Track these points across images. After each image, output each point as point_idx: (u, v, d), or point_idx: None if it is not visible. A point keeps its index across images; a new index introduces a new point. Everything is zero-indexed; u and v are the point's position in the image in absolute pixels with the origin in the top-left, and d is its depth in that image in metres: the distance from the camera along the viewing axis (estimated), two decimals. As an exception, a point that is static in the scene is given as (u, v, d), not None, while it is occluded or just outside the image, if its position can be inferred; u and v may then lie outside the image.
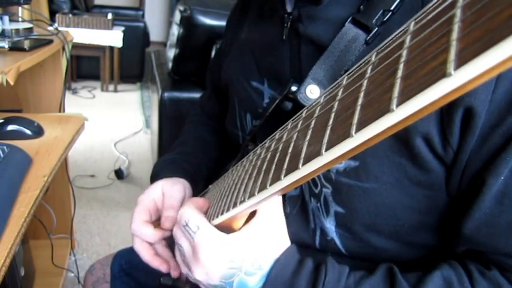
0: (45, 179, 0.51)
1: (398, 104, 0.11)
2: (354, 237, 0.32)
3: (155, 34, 3.71)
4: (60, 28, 0.90)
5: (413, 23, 0.13)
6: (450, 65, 0.09)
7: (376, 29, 0.28)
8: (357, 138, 0.13)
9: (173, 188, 0.40)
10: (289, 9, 0.35)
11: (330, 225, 0.32)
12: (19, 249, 0.73)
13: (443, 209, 0.29)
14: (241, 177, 0.27)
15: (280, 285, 0.27)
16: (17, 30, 0.80)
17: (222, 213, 0.27)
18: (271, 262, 0.28)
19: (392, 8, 0.27)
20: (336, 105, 0.16)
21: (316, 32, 0.32)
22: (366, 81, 0.14)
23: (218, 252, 0.27)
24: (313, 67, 0.31)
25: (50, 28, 0.90)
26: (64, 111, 0.96)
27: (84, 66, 2.61)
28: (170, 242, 0.38)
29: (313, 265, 0.29)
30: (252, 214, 0.29)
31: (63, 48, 0.90)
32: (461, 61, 0.09)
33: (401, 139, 0.27)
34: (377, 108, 0.12)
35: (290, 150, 0.19)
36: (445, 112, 0.25)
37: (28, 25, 0.85)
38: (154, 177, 0.45)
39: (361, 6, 0.29)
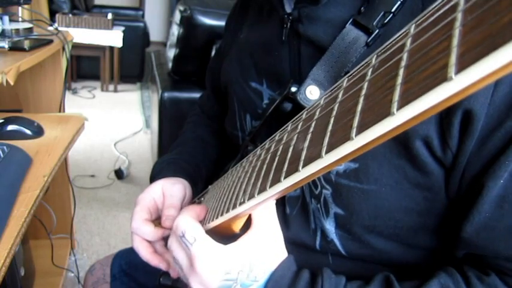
0: (45, 179, 0.51)
1: (399, 108, 0.11)
2: (353, 239, 0.32)
3: (155, 34, 3.71)
4: (60, 28, 0.90)
5: (414, 25, 0.13)
6: (451, 69, 0.09)
7: (377, 31, 0.28)
8: (357, 141, 0.13)
9: (173, 187, 0.40)
10: (288, 9, 0.35)
11: (330, 226, 0.32)
12: (19, 249, 0.73)
13: (442, 211, 0.29)
14: (241, 178, 0.27)
15: None
16: (17, 30, 0.80)
17: (221, 215, 0.27)
18: (268, 274, 0.27)
19: (393, 10, 0.27)
20: (336, 108, 0.16)
21: (316, 33, 0.32)
22: (366, 84, 0.14)
23: (214, 264, 0.26)
24: (313, 68, 0.31)
25: (50, 28, 0.90)
26: (64, 111, 0.96)
27: (84, 66, 2.61)
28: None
29: (309, 276, 0.29)
30: (248, 224, 0.28)
31: (63, 48, 0.90)
32: (462, 65, 0.09)
33: (401, 141, 0.27)
34: (377, 111, 0.12)
35: (290, 152, 0.19)
36: (445, 115, 0.25)
37: (28, 25, 0.84)
38: (154, 177, 0.44)
39: (362, 8, 0.29)
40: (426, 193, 0.29)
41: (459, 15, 0.10)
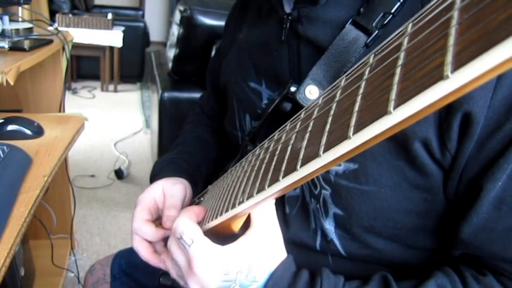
0: (45, 179, 0.51)
1: (396, 106, 0.11)
2: (353, 239, 0.32)
3: (155, 34, 3.71)
4: (60, 28, 0.90)
5: (411, 24, 0.13)
6: (447, 68, 0.09)
7: (377, 31, 0.28)
8: (355, 140, 0.13)
9: (174, 187, 0.40)
10: (288, 10, 0.35)
11: (329, 226, 0.32)
12: (19, 249, 0.73)
13: (441, 212, 0.29)
14: (240, 178, 0.27)
15: None
16: (17, 30, 0.80)
17: (220, 214, 0.27)
18: (267, 274, 0.28)
19: (392, 11, 0.27)
20: (334, 107, 0.16)
21: (315, 33, 0.32)
22: (363, 83, 0.14)
23: (212, 265, 0.26)
24: (312, 68, 0.31)
25: (50, 28, 0.90)
26: (64, 111, 0.96)
27: (84, 66, 2.61)
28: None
29: (308, 276, 0.29)
30: (247, 225, 0.28)
31: (63, 48, 0.90)
32: (458, 64, 0.09)
33: (400, 143, 0.27)
34: (375, 110, 0.12)
35: (288, 151, 0.19)
36: (444, 117, 0.25)
37: (28, 25, 0.85)
38: (154, 176, 0.44)
39: (361, 9, 0.29)
40: (425, 194, 0.29)
41: (455, 14, 0.10)
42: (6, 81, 0.57)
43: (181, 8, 1.20)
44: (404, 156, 0.28)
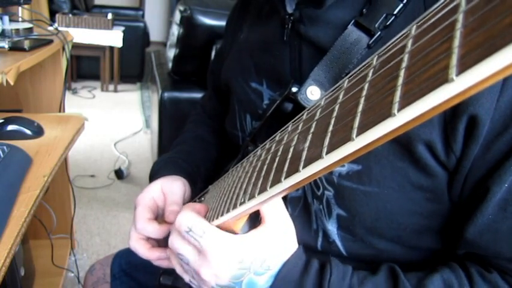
0: (45, 179, 0.51)
1: (400, 109, 0.11)
2: (355, 240, 0.32)
3: (155, 34, 3.71)
4: (60, 28, 0.90)
5: (415, 26, 0.13)
6: (452, 71, 0.09)
7: (379, 33, 0.28)
8: (358, 142, 0.13)
9: (173, 184, 0.40)
10: (290, 10, 0.35)
11: (332, 227, 0.32)
12: (19, 249, 0.73)
13: (445, 213, 0.29)
14: (241, 178, 0.27)
15: (289, 284, 0.27)
16: (17, 30, 0.80)
17: (221, 215, 0.27)
18: (280, 263, 0.28)
19: (395, 12, 0.27)
20: (336, 108, 0.16)
21: (317, 33, 0.32)
22: (367, 85, 0.14)
23: (228, 253, 0.26)
24: (314, 68, 0.31)
25: (50, 28, 0.90)
26: (64, 111, 0.96)
27: (84, 66, 2.60)
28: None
29: (318, 265, 0.29)
30: (257, 215, 0.28)
31: (63, 48, 0.90)
32: (463, 67, 0.09)
33: (404, 145, 0.27)
34: (378, 112, 0.12)
35: (291, 152, 0.19)
36: (449, 120, 0.25)
37: (28, 25, 0.84)
38: (153, 176, 0.44)
39: (364, 10, 0.29)
40: (429, 195, 0.29)
41: (460, 17, 0.10)
42: (6, 81, 0.57)
43: (181, 8, 1.20)
44: (408, 158, 0.28)
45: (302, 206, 0.34)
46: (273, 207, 0.28)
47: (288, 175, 0.18)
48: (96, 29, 2.19)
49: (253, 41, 0.42)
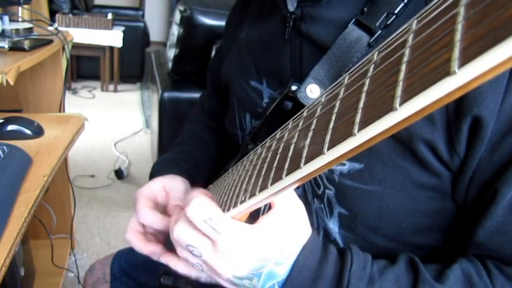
0: (45, 179, 0.51)
1: (402, 103, 0.11)
2: (357, 239, 0.32)
3: (155, 34, 3.71)
4: (60, 28, 0.90)
5: (415, 21, 0.13)
6: (454, 63, 0.09)
7: (380, 31, 0.28)
8: (360, 137, 0.13)
9: (174, 181, 0.40)
10: (291, 8, 0.35)
11: (333, 226, 0.32)
12: (19, 249, 0.73)
13: (447, 212, 0.29)
14: (242, 177, 0.27)
15: (307, 272, 0.26)
16: (17, 30, 0.80)
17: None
18: (299, 249, 0.27)
19: (396, 11, 0.27)
20: (337, 104, 0.16)
21: (318, 32, 0.32)
22: (368, 80, 0.14)
23: (248, 244, 0.25)
24: (314, 66, 0.31)
25: (50, 28, 0.90)
26: (64, 111, 0.96)
27: (84, 66, 2.60)
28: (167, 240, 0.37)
29: (336, 251, 0.28)
30: (256, 213, 0.28)
31: (63, 48, 0.90)
32: (466, 59, 0.09)
33: (405, 144, 0.27)
34: (380, 106, 0.12)
35: (291, 149, 0.19)
36: (452, 120, 0.25)
37: (28, 25, 0.84)
38: (153, 176, 0.44)
39: (365, 8, 0.29)
40: (431, 194, 0.29)
41: (461, 10, 0.10)
42: (6, 81, 0.57)
43: (181, 8, 1.20)
44: (409, 157, 0.28)
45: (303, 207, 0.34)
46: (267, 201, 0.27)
47: (289, 172, 0.18)
48: (96, 29, 2.19)
49: (253, 40, 0.42)
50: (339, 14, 0.31)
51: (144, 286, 0.52)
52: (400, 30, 0.13)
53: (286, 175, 0.18)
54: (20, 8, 0.92)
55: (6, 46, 0.70)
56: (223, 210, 0.27)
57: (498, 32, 0.08)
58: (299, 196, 0.34)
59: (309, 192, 0.33)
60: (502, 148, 0.24)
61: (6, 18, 0.79)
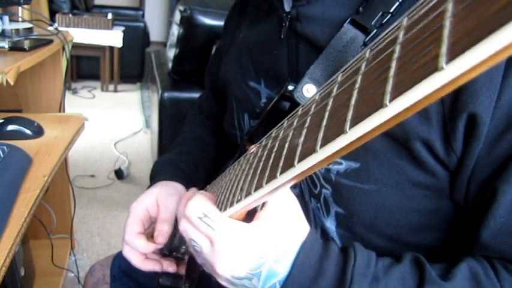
0: (45, 179, 0.51)
1: (392, 99, 0.11)
2: (354, 238, 0.32)
3: (155, 34, 3.71)
4: (60, 28, 0.90)
5: (406, 18, 0.13)
6: (442, 59, 0.09)
7: (375, 31, 0.28)
8: (351, 134, 0.13)
9: (168, 199, 0.39)
10: (287, 8, 0.35)
11: (330, 225, 0.32)
12: (19, 249, 0.73)
13: (444, 211, 0.29)
14: (238, 176, 0.27)
15: (308, 269, 0.26)
16: (17, 30, 0.80)
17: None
18: (297, 247, 0.26)
19: (391, 10, 0.27)
20: (330, 102, 0.16)
21: (313, 31, 0.32)
22: (360, 78, 0.14)
23: (244, 242, 0.25)
24: (310, 66, 0.31)
25: (50, 28, 0.90)
26: (64, 111, 0.96)
27: (84, 66, 2.61)
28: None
29: (338, 248, 0.27)
30: (251, 212, 0.28)
31: (63, 48, 0.90)
32: (453, 55, 0.09)
33: (401, 142, 0.27)
34: (371, 103, 0.12)
35: (286, 148, 0.19)
36: (448, 118, 0.25)
37: (28, 25, 0.85)
38: (154, 177, 0.45)
39: (360, 8, 0.29)
40: (427, 193, 0.29)
41: (449, 6, 0.10)
42: (6, 81, 0.57)
43: (181, 8, 1.20)
44: (406, 156, 0.28)
45: (299, 204, 0.34)
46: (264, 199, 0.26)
47: (284, 170, 0.18)
48: (96, 29, 2.19)
49: (251, 40, 0.42)
50: (333, 13, 0.31)
51: (143, 287, 0.52)
52: (392, 27, 0.13)
53: (281, 173, 0.18)
54: (20, 8, 0.93)
55: (6, 46, 0.70)
56: (221, 210, 0.27)
57: (485, 27, 0.08)
58: (296, 196, 0.34)
59: (305, 191, 0.33)
60: (500, 146, 0.24)
61: (6, 18, 0.79)
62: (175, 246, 0.38)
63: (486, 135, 0.24)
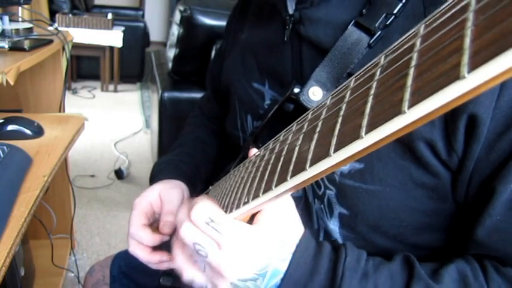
0: (45, 179, 0.51)
1: (410, 106, 0.11)
2: (357, 238, 0.32)
3: (155, 34, 3.70)
4: (60, 28, 0.90)
5: (423, 26, 0.13)
6: (464, 68, 0.09)
7: (379, 32, 0.28)
8: (367, 140, 0.13)
9: (171, 192, 0.39)
10: (290, 11, 0.35)
11: (333, 226, 0.32)
12: (19, 249, 0.73)
13: (448, 211, 0.29)
14: (244, 178, 0.27)
15: (303, 266, 0.26)
16: (17, 30, 0.80)
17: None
18: (294, 245, 0.27)
19: (395, 11, 0.27)
20: (343, 107, 0.16)
21: (317, 34, 0.32)
22: (375, 84, 0.14)
23: (252, 244, 0.25)
24: (316, 69, 0.31)
25: (50, 28, 0.90)
26: (64, 111, 0.96)
27: (84, 66, 2.60)
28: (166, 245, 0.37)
29: (331, 246, 0.28)
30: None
31: (63, 48, 0.90)
32: (475, 64, 0.09)
33: (405, 143, 0.27)
34: (388, 110, 0.12)
35: (296, 151, 0.19)
36: (450, 119, 0.26)
37: (28, 25, 0.84)
38: (154, 177, 0.44)
39: (364, 10, 0.29)
40: (431, 193, 0.29)
41: (471, 15, 0.10)
42: (6, 81, 0.57)
43: (181, 8, 1.20)
44: (409, 156, 0.28)
45: (302, 206, 0.34)
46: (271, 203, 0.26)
47: (294, 174, 0.18)
48: (96, 29, 2.18)
49: (255, 42, 0.42)
50: (336, 15, 0.31)
51: (143, 287, 0.52)
52: (408, 34, 0.13)
53: (291, 177, 0.18)
54: (20, 8, 0.92)
55: (6, 46, 0.70)
56: (226, 212, 0.27)
57: (508, 39, 0.08)
58: (299, 198, 0.34)
59: (309, 193, 0.34)
60: (499, 146, 0.25)
61: (6, 18, 0.79)
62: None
63: (486, 135, 0.24)
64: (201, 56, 1.24)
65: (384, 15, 0.28)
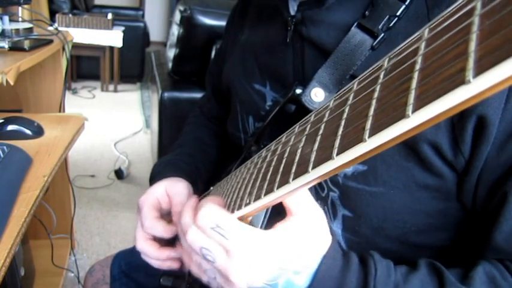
0: (45, 179, 0.51)
1: (415, 110, 0.11)
2: (360, 241, 0.32)
3: (155, 34, 3.70)
4: (60, 28, 0.90)
5: (427, 30, 0.13)
6: (469, 73, 0.09)
7: (382, 34, 0.28)
8: (370, 143, 0.13)
9: (177, 185, 0.39)
10: (292, 12, 0.35)
11: (336, 228, 0.32)
12: (19, 249, 0.73)
13: (452, 212, 0.29)
14: (246, 179, 0.27)
15: (329, 281, 0.25)
16: (17, 30, 0.79)
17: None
18: (319, 259, 0.25)
19: (398, 13, 0.27)
20: (347, 110, 0.16)
21: (319, 35, 0.32)
22: (378, 87, 0.14)
23: (261, 249, 0.24)
24: (318, 70, 0.31)
25: (50, 28, 0.90)
26: (64, 111, 0.96)
27: (84, 66, 2.60)
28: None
29: (358, 259, 0.27)
30: (281, 207, 0.26)
31: (63, 48, 0.89)
32: (481, 69, 0.09)
33: (409, 145, 0.27)
34: (391, 113, 0.12)
35: (298, 153, 0.19)
36: (457, 120, 0.25)
37: (28, 25, 0.84)
38: (153, 178, 0.44)
39: (366, 12, 0.29)
40: (435, 194, 0.29)
41: (476, 20, 0.10)
42: (6, 81, 0.57)
43: (181, 8, 1.20)
44: (413, 158, 0.28)
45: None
46: (299, 196, 0.25)
47: (297, 176, 0.18)
48: (96, 29, 2.18)
49: (256, 43, 0.42)
50: (339, 17, 0.31)
51: (143, 287, 0.52)
52: (412, 38, 0.13)
53: (293, 179, 0.18)
54: (20, 8, 0.92)
55: (6, 46, 0.70)
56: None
57: (513, 43, 0.08)
58: None
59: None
60: (509, 147, 0.24)
61: (6, 18, 0.78)
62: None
63: (495, 137, 0.24)
64: (201, 56, 1.24)
65: (386, 17, 0.28)
